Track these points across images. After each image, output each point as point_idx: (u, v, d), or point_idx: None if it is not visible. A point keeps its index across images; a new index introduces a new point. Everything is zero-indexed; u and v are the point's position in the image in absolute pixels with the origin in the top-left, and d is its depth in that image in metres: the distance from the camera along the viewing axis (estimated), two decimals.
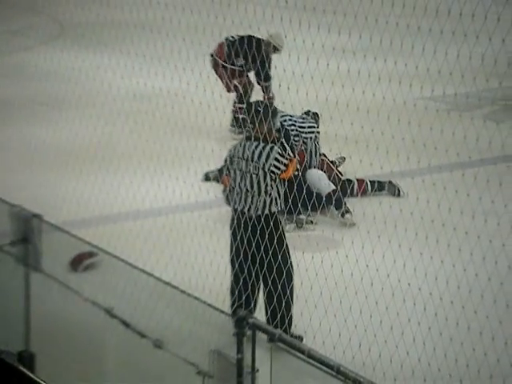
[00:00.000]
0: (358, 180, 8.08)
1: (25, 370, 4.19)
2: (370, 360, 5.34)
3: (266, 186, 5.66)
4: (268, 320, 5.61)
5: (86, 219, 7.31)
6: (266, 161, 5.68)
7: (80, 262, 5.41)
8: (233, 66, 9.45)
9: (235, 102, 9.57)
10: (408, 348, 5.33)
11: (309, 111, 8.42)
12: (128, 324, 3.92)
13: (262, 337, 3.62)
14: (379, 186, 8.08)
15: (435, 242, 6.07)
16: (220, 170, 8.31)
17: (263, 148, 5.72)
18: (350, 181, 8.00)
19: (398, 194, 8.06)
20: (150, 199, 7.54)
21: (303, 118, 8.20)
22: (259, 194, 5.65)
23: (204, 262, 6.30)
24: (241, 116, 9.21)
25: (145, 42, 10.41)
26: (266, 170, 5.67)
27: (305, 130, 8.01)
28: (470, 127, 7.95)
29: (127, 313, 3.99)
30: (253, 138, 5.74)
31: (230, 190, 5.79)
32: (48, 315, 4.45)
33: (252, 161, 5.69)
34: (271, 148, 5.71)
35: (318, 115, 8.35)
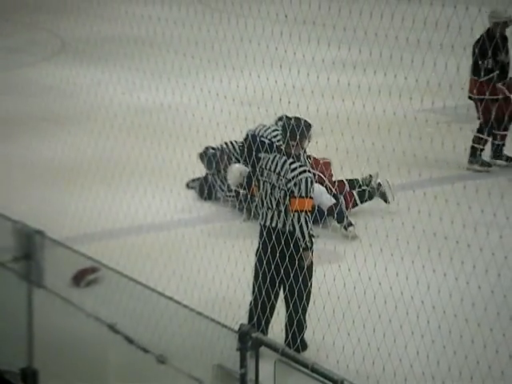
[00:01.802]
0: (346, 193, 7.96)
1: None
2: (373, 373, 5.33)
3: (291, 202, 5.62)
4: (289, 343, 5.59)
5: (88, 234, 7.32)
6: (290, 179, 5.63)
7: (82, 277, 5.41)
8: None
9: (479, 130, 8.64)
10: (411, 361, 5.32)
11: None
12: (131, 339, 3.91)
13: (267, 352, 3.62)
14: (369, 195, 7.97)
15: (437, 254, 6.07)
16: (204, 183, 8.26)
17: (294, 166, 5.67)
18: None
19: (386, 201, 7.88)
20: (152, 214, 7.55)
21: None
22: (286, 209, 5.63)
23: (206, 276, 6.30)
24: (477, 146, 8.43)
25: (145, 58, 10.45)
26: (287, 187, 5.62)
27: None
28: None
29: (130, 328, 3.99)
30: (284, 153, 5.72)
31: (258, 204, 5.78)
32: (51, 331, 4.44)
33: (281, 175, 5.67)
34: (302, 170, 5.65)
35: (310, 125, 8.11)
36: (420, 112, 8.92)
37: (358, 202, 7.91)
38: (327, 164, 7.93)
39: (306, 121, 5.93)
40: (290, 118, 5.96)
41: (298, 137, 5.72)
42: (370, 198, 7.93)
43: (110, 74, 9.62)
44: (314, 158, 7.86)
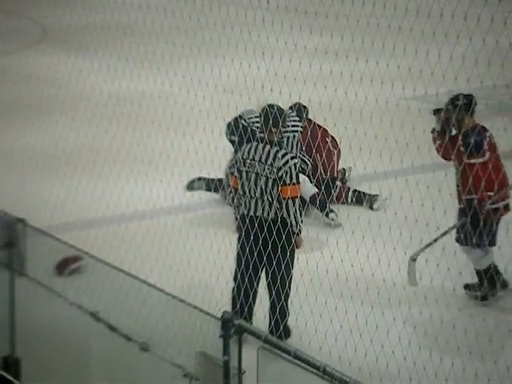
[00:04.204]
0: (343, 186, 8.02)
1: (9, 377, 4.18)
2: (356, 360, 5.36)
3: (277, 191, 5.64)
4: (272, 330, 5.62)
5: (70, 223, 7.30)
6: (280, 167, 5.63)
7: (65, 266, 5.41)
8: None
9: None
10: (393, 347, 5.36)
11: (296, 104, 8.20)
12: (114, 327, 3.92)
13: (250, 339, 3.63)
14: (359, 199, 7.94)
15: (419, 241, 6.10)
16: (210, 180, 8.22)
17: (281, 154, 5.67)
18: (334, 180, 7.94)
19: (372, 208, 7.88)
20: (134, 202, 7.53)
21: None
22: (272, 198, 5.64)
23: (189, 264, 6.31)
24: None
25: (127, 45, 10.40)
26: (278, 175, 5.63)
27: (286, 129, 7.80)
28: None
29: (113, 316, 3.99)
30: (267, 142, 5.71)
31: (239, 194, 5.77)
32: (33, 320, 4.44)
33: (268, 164, 5.66)
34: (290, 157, 5.68)
35: (305, 107, 7.91)
36: (402, 99, 8.95)
37: (349, 200, 7.95)
38: (333, 140, 7.95)
39: (280, 107, 5.96)
40: (273, 106, 5.96)
41: (280, 124, 5.74)
42: (360, 201, 7.94)
43: (91, 62, 9.59)
44: (319, 126, 7.83)
